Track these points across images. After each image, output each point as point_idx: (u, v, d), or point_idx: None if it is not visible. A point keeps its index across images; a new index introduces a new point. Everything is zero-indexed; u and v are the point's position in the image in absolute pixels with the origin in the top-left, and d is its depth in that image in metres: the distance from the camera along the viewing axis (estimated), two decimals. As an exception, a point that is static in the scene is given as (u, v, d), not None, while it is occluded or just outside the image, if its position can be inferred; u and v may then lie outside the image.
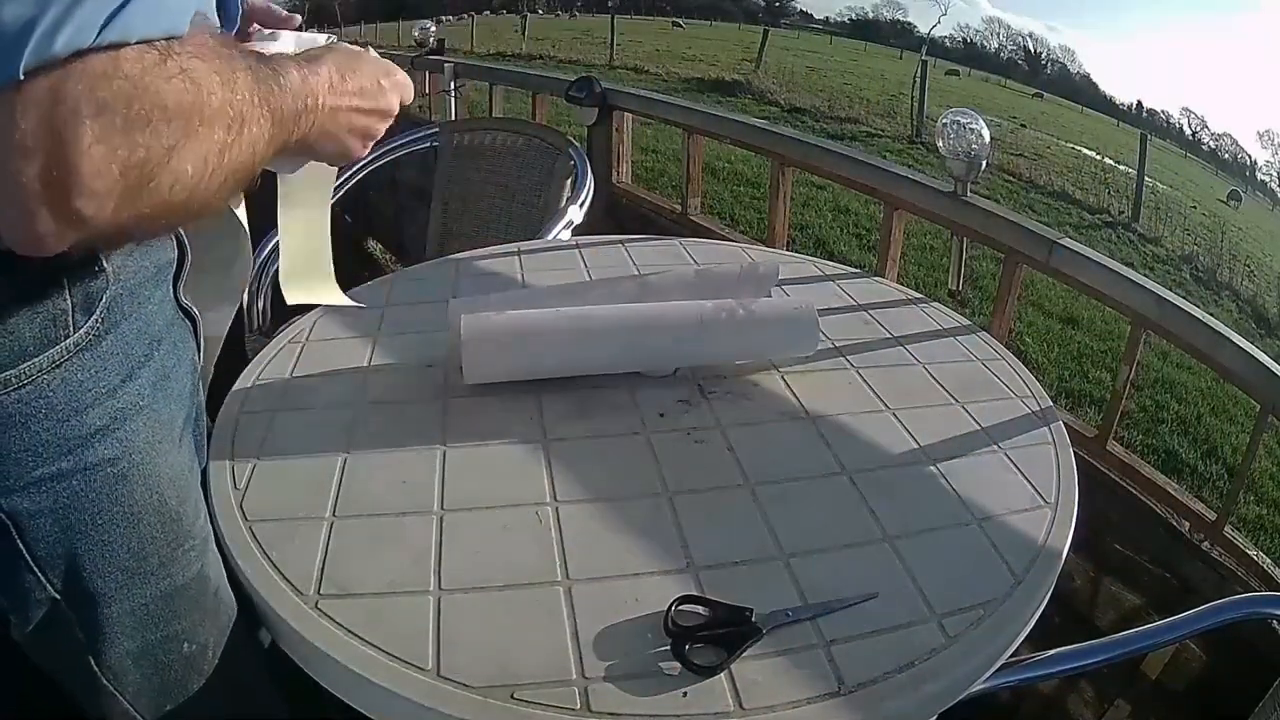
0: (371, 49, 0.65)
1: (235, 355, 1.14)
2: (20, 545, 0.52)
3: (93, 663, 0.59)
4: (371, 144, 0.63)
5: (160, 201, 0.42)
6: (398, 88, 0.64)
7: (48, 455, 0.51)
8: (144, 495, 0.56)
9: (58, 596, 0.55)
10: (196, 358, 0.64)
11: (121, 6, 0.38)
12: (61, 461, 0.51)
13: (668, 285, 0.88)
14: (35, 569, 0.53)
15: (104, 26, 0.37)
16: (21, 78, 0.36)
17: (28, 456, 0.50)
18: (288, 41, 0.59)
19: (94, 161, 0.38)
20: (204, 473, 0.66)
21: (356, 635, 0.53)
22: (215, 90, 0.43)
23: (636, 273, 1.06)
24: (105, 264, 0.52)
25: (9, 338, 0.48)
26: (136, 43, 0.39)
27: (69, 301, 0.50)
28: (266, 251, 1.47)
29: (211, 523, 0.63)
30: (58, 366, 0.50)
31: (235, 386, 0.81)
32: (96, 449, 0.53)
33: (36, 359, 0.49)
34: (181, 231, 0.61)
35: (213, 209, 0.47)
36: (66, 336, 0.50)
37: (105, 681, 0.60)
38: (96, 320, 0.52)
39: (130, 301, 0.54)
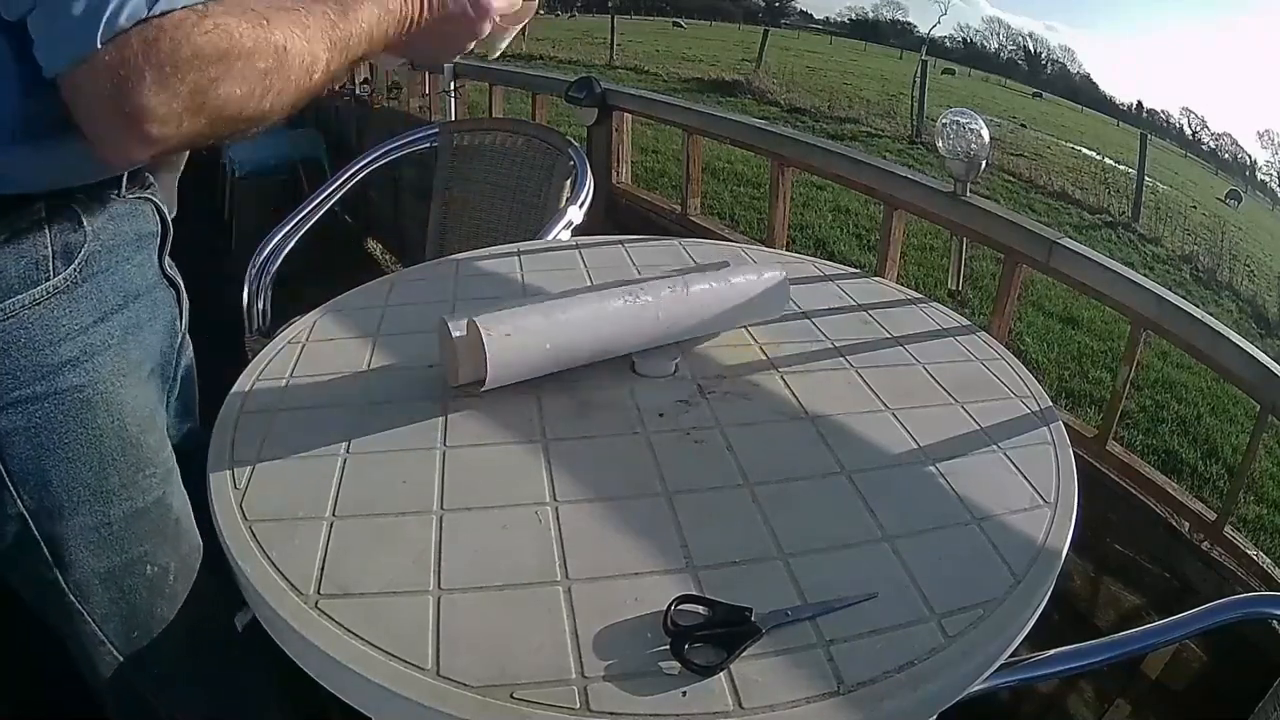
0: None
1: (235, 355, 1.15)
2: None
3: (61, 580, 0.64)
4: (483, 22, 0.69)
5: (215, 117, 0.53)
6: None
7: (24, 379, 0.58)
8: (106, 421, 0.63)
9: (26, 514, 0.61)
10: (178, 323, 0.73)
11: None
12: (35, 385, 0.59)
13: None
14: (9, 484, 0.60)
15: (154, 2, 0.50)
16: (99, 48, 0.49)
17: (6, 379, 0.58)
18: None
19: (154, 99, 0.50)
20: (203, 473, 0.67)
21: (356, 635, 0.53)
22: (246, 34, 0.53)
23: (637, 274, 1.06)
24: (85, 223, 0.61)
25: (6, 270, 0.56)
26: (180, 8, 0.50)
27: (49, 249, 0.59)
28: (266, 251, 1.47)
29: (212, 523, 0.63)
30: (37, 304, 0.58)
31: (235, 387, 0.81)
32: (66, 376, 0.60)
33: (19, 296, 0.57)
34: (164, 208, 0.70)
35: (275, 116, 0.57)
36: (47, 279, 0.59)
37: (73, 600, 0.65)
38: (75, 269, 0.60)
39: (108, 258, 0.63)
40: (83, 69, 0.49)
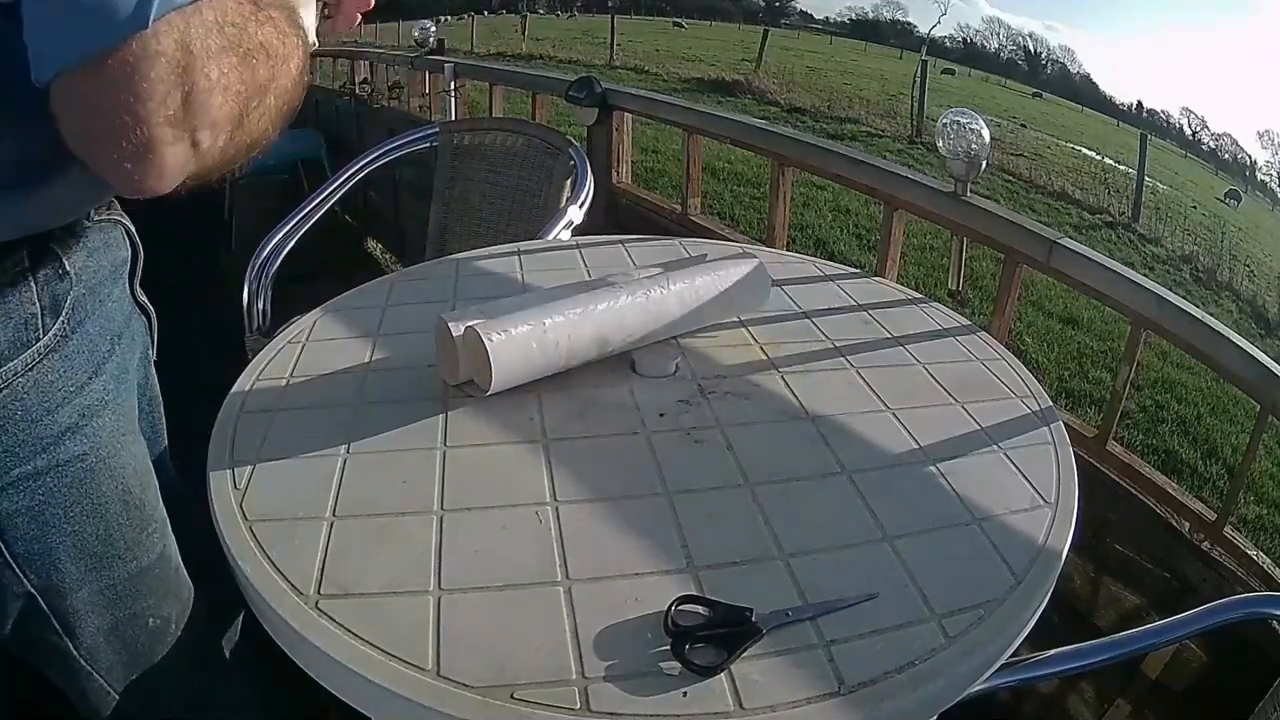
0: None
1: (235, 355, 1.15)
2: (3, 552, 0.56)
3: (69, 645, 0.63)
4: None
5: (246, 137, 0.48)
6: None
7: (23, 455, 0.53)
8: (110, 487, 0.60)
9: (34, 591, 0.59)
10: (150, 350, 0.69)
11: None
12: (36, 460, 0.54)
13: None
14: (14, 567, 0.57)
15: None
16: (149, 28, 0.40)
17: (5, 458, 0.53)
18: None
19: (218, 96, 0.43)
20: (203, 472, 0.67)
21: (356, 635, 0.53)
22: (289, 34, 0.49)
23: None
24: (68, 266, 0.54)
25: (17, 331, 0.50)
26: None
27: (38, 305, 0.52)
28: (266, 252, 1.47)
29: (212, 522, 0.63)
30: (30, 369, 0.52)
31: (235, 387, 0.81)
32: (68, 446, 0.56)
33: (11, 363, 0.51)
34: (132, 229, 0.64)
35: (270, 140, 0.52)
36: (38, 339, 0.52)
37: (82, 662, 0.64)
38: (64, 320, 0.54)
39: (92, 300, 0.57)
40: (108, 63, 0.40)
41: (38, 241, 0.52)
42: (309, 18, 0.55)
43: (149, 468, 0.66)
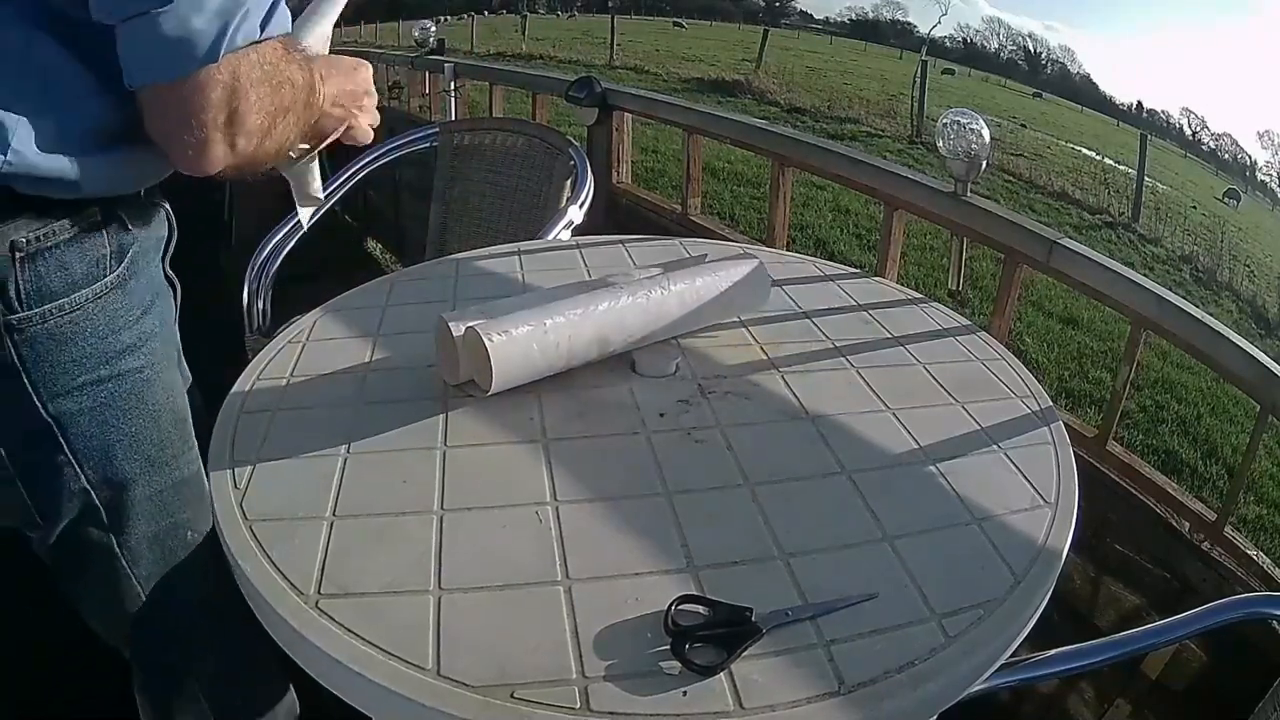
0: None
1: (235, 355, 1.15)
2: (62, 442, 0.66)
3: (115, 544, 0.72)
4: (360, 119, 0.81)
5: (273, 144, 0.65)
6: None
7: (89, 365, 0.66)
8: (162, 398, 0.72)
9: (88, 487, 0.69)
10: (174, 316, 0.79)
11: (267, 20, 0.61)
12: (100, 370, 0.67)
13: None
14: (73, 462, 0.67)
15: (261, 30, 0.60)
16: (216, 61, 0.58)
17: (73, 367, 0.65)
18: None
19: (254, 114, 0.61)
20: (204, 472, 0.69)
21: (356, 634, 0.53)
22: (307, 72, 0.67)
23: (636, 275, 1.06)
24: (129, 225, 0.68)
25: (65, 272, 0.63)
26: (275, 39, 0.62)
27: (108, 249, 0.66)
28: (266, 252, 1.47)
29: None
30: (99, 298, 0.66)
31: (235, 387, 0.81)
32: (127, 360, 0.68)
33: (84, 291, 0.64)
34: (172, 214, 0.76)
35: (291, 147, 0.70)
36: (105, 275, 0.66)
37: (124, 563, 0.74)
38: (125, 266, 0.68)
39: (144, 259, 0.71)
40: (188, 81, 0.58)
41: (109, 203, 0.66)
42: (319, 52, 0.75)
43: (185, 397, 0.77)
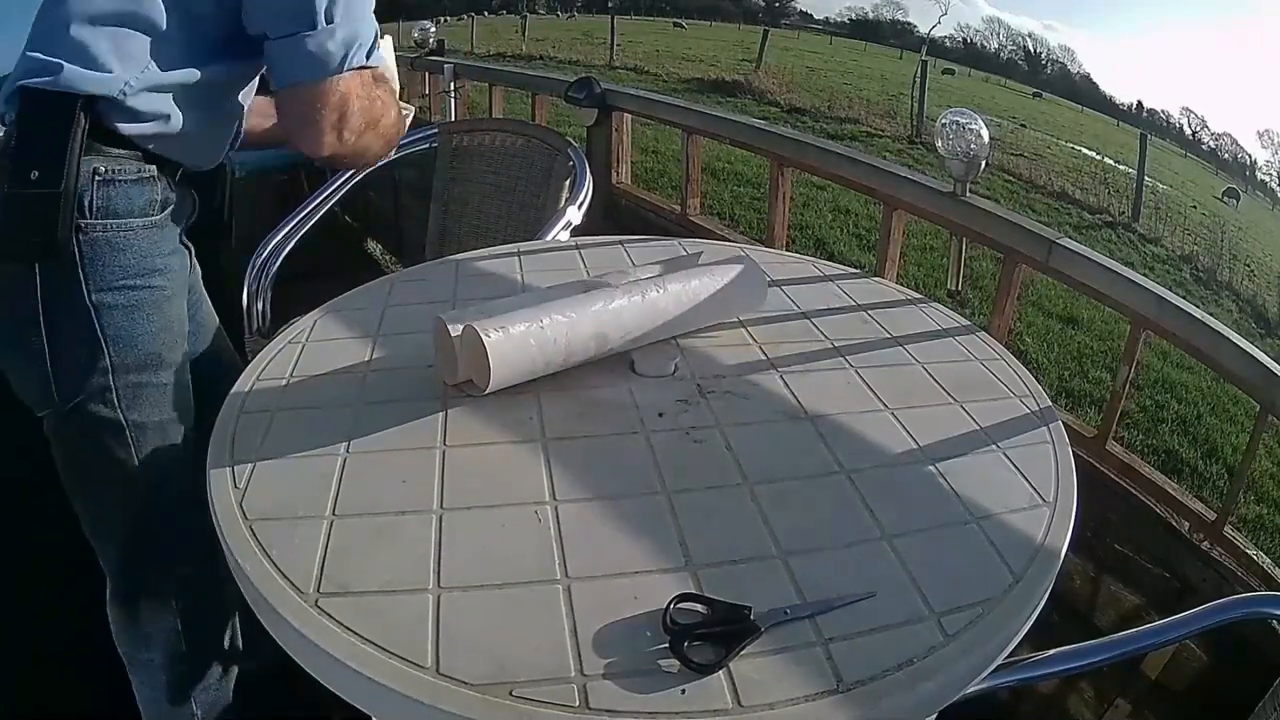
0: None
1: (235, 355, 1.15)
2: (97, 325, 0.82)
3: (123, 419, 0.86)
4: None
5: (364, 144, 0.89)
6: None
7: (130, 273, 0.83)
8: (176, 313, 0.90)
9: (110, 366, 0.84)
10: (188, 270, 0.96)
11: (370, 52, 0.84)
12: (136, 279, 0.84)
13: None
14: (102, 341, 0.83)
15: (367, 58, 0.84)
16: (341, 73, 0.82)
17: (118, 270, 0.82)
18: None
19: (354, 117, 0.85)
20: (204, 471, 0.69)
21: (356, 633, 0.53)
22: (391, 96, 0.93)
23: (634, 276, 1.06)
24: (174, 190, 0.88)
25: (127, 201, 0.82)
26: (372, 68, 0.86)
27: (158, 196, 0.85)
28: (266, 251, 1.47)
29: (212, 521, 0.64)
30: (146, 229, 0.84)
31: (235, 387, 0.81)
32: (156, 278, 0.86)
33: (138, 218, 0.84)
34: (197, 200, 0.95)
35: (380, 154, 0.96)
36: (152, 214, 0.85)
37: (130, 438, 0.86)
38: (165, 215, 0.87)
39: (175, 216, 0.89)
40: (318, 86, 0.82)
41: (163, 167, 0.85)
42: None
43: (186, 324, 0.93)
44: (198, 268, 1.03)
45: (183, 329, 0.91)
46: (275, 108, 0.87)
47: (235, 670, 1.04)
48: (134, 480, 0.88)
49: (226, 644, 1.03)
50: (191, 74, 0.83)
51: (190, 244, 0.96)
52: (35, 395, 0.85)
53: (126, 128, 0.80)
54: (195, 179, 0.93)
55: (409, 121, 1.11)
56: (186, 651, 0.97)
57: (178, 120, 0.84)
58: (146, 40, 0.79)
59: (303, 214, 1.50)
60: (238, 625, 1.05)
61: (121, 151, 0.81)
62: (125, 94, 0.79)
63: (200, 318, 1.04)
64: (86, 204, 0.79)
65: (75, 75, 0.76)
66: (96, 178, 0.79)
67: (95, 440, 0.86)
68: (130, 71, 0.78)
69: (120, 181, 0.81)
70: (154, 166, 0.84)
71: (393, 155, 1.36)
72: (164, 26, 0.79)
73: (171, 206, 0.87)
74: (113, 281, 0.82)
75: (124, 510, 0.90)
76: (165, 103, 0.82)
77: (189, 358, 0.93)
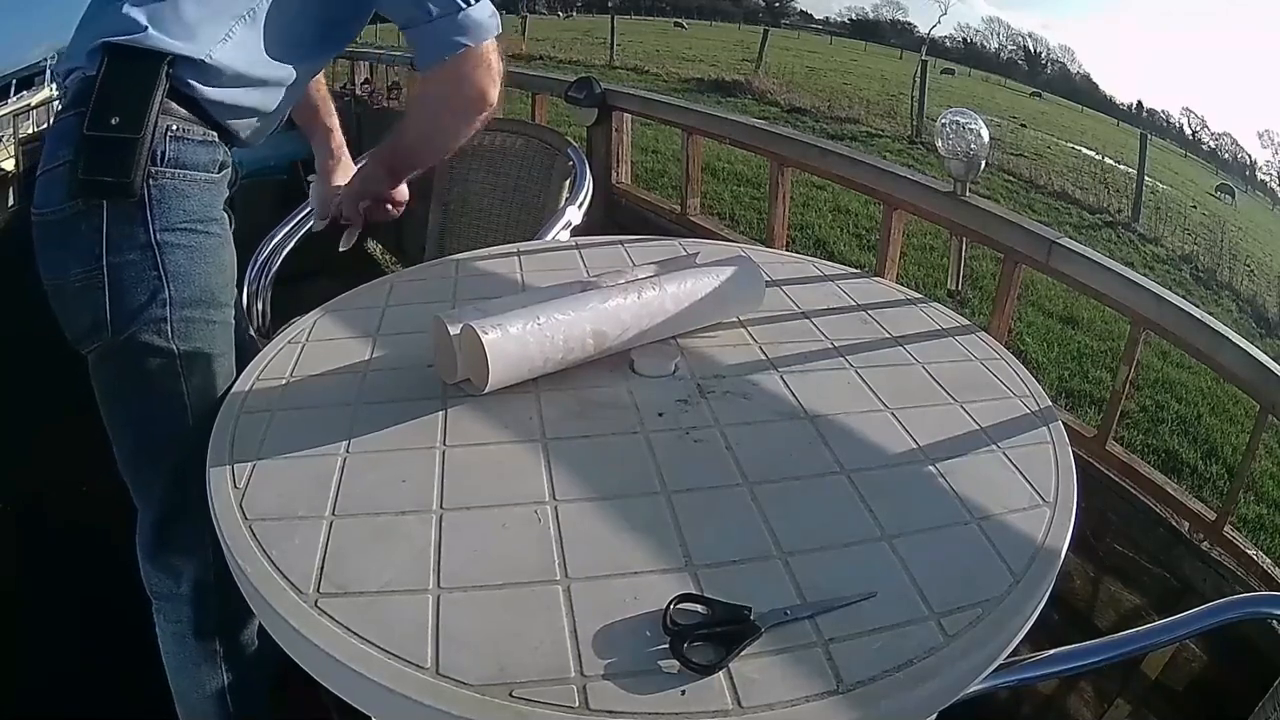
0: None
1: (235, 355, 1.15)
2: (158, 259, 0.87)
3: (176, 350, 0.90)
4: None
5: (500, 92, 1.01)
6: None
7: (192, 219, 0.89)
8: (228, 259, 0.95)
9: (169, 299, 0.89)
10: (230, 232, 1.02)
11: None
12: (196, 225, 0.90)
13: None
14: (163, 276, 0.88)
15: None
16: (477, 44, 0.96)
17: (181, 214, 0.89)
18: None
19: (501, 69, 1.00)
20: (204, 469, 0.69)
21: (356, 633, 0.53)
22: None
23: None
24: (230, 157, 0.96)
25: (193, 156, 0.89)
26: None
27: (219, 160, 0.93)
28: (267, 251, 1.47)
29: (212, 521, 0.64)
30: (209, 183, 0.91)
31: (235, 387, 0.81)
32: (213, 226, 0.92)
33: (201, 173, 0.90)
34: (233, 159, 0.99)
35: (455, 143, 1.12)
36: (213, 172, 0.92)
37: (180, 368, 0.90)
38: (221, 176, 0.94)
39: (224, 183, 0.95)
40: (481, 48, 0.96)
41: (224, 136, 0.94)
42: None
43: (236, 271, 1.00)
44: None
45: (233, 275, 0.97)
46: (430, 84, 1.02)
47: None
48: (182, 407, 0.92)
49: None
50: (267, 58, 0.92)
51: (231, 214, 1.03)
52: (86, 327, 0.89)
53: (202, 91, 0.89)
54: None
55: None
56: (215, 583, 0.97)
57: (247, 96, 0.93)
58: (232, 17, 0.89)
59: (303, 214, 1.50)
60: None
61: (190, 115, 0.89)
62: (207, 60, 0.87)
63: None
64: (159, 154, 0.86)
65: (162, 36, 0.85)
66: (169, 133, 0.87)
67: (146, 368, 0.90)
68: (212, 42, 0.87)
69: (188, 139, 0.89)
70: (215, 134, 0.93)
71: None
72: (254, 9, 0.90)
73: (227, 170, 0.96)
74: (176, 223, 0.88)
75: (170, 436, 0.93)
76: (237, 78, 0.91)
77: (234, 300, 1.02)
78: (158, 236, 0.87)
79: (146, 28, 0.84)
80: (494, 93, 0.99)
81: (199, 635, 1.01)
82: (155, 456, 0.95)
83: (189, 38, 0.86)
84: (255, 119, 0.97)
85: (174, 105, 0.87)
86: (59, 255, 0.88)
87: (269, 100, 0.96)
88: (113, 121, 0.84)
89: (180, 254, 0.89)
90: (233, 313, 0.97)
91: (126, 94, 0.85)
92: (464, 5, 0.94)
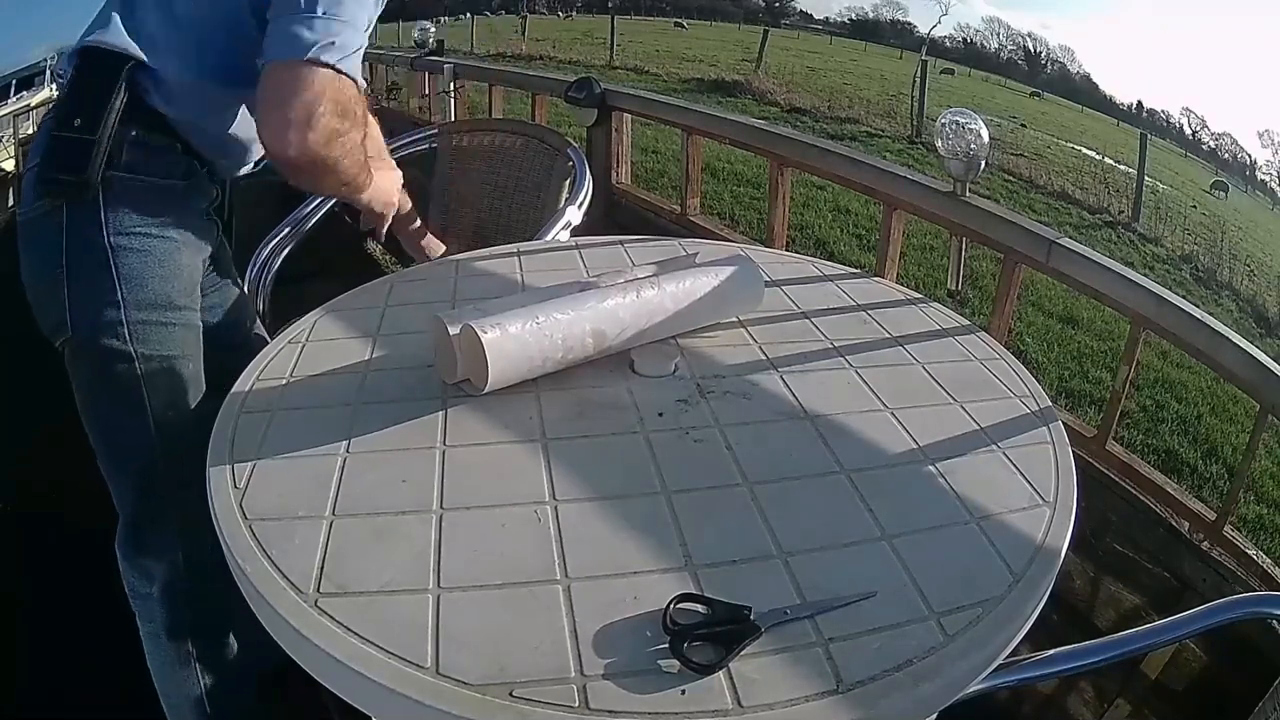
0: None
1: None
2: (111, 262, 0.89)
3: (133, 351, 0.91)
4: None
5: (334, 158, 0.86)
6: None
7: (146, 223, 0.91)
8: (185, 260, 0.96)
9: (122, 301, 0.90)
10: (215, 240, 1.05)
11: (350, 57, 0.84)
12: (150, 228, 0.91)
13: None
14: (115, 277, 0.90)
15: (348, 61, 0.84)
16: (313, 68, 0.81)
17: (135, 216, 0.90)
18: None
19: (326, 118, 0.83)
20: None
21: (356, 633, 0.53)
22: (366, 116, 0.91)
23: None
24: (199, 174, 0.97)
25: (149, 164, 0.91)
26: (351, 79, 0.85)
27: (180, 167, 0.93)
28: (266, 251, 1.47)
29: (212, 521, 0.64)
30: (166, 188, 0.92)
31: (235, 387, 0.81)
32: (168, 229, 0.93)
33: (159, 179, 0.92)
34: (227, 191, 1.03)
35: (339, 181, 0.92)
36: (175, 177, 0.93)
37: (138, 369, 0.92)
38: (190, 180, 0.95)
39: (194, 193, 0.97)
40: (290, 70, 0.81)
41: (186, 146, 0.94)
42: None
43: (198, 278, 1.00)
44: (227, 248, 1.11)
45: (193, 279, 0.98)
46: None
47: (235, 618, 1.05)
48: (142, 410, 0.93)
49: (226, 585, 1.04)
50: (229, 82, 0.91)
51: (218, 220, 1.05)
52: (53, 322, 0.91)
53: (160, 103, 0.89)
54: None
55: (398, 184, 1.18)
56: (186, 587, 1.00)
57: (206, 117, 0.94)
58: (197, 36, 0.89)
59: (303, 214, 1.50)
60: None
61: (154, 124, 0.90)
62: (161, 72, 0.88)
63: (226, 290, 1.13)
64: (118, 158, 0.88)
65: (127, 43, 0.86)
66: (130, 139, 0.88)
67: (107, 369, 0.92)
68: (169, 56, 0.88)
69: (149, 146, 0.90)
70: (179, 145, 0.93)
71: (394, 155, 1.41)
72: (219, 34, 0.89)
73: (193, 178, 0.96)
74: (130, 226, 0.90)
75: (133, 439, 0.95)
76: (200, 95, 0.91)
77: (209, 310, 1.04)
78: (111, 239, 0.89)
79: (114, 32, 0.87)
80: (296, 139, 0.82)
81: (171, 636, 1.02)
82: (121, 459, 0.97)
83: (150, 49, 0.88)
84: (220, 145, 0.97)
85: (139, 113, 0.88)
86: (31, 255, 0.91)
87: (222, 125, 0.96)
88: (75, 123, 0.86)
89: (133, 257, 0.90)
90: (196, 315, 0.98)
91: (88, 97, 0.87)
92: (291, 11, 0.82)
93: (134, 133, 0.88)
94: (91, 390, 0.94)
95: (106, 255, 0.89)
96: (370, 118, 1.01)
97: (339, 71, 0.82)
